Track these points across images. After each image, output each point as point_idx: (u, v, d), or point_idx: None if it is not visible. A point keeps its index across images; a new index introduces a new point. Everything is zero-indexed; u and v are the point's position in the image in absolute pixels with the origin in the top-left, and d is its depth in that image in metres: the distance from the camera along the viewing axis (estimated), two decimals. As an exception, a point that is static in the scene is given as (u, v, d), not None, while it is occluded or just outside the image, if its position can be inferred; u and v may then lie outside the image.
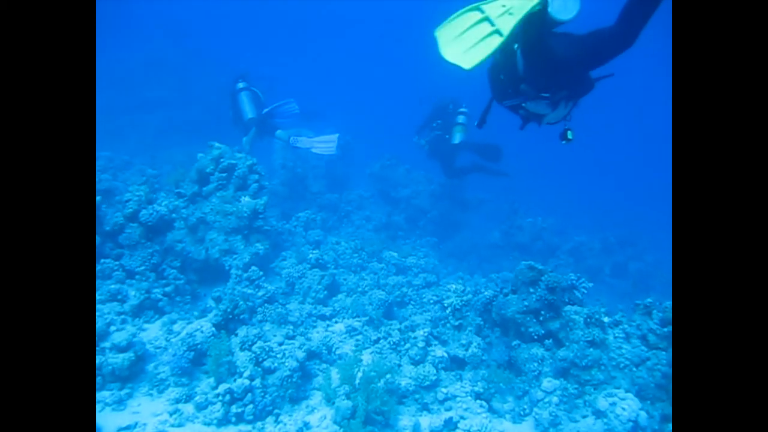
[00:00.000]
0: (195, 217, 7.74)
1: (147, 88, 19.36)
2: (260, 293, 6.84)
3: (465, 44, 4.00)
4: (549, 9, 4.11)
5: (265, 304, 6.75)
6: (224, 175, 8.09)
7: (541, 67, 4.58)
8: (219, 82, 20.41)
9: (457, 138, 10.82)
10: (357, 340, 6.53)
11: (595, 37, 4.33)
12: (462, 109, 11.13)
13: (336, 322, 7.11)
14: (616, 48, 4.23)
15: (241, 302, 5.73)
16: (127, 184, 10.22)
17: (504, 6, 4.03)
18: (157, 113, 17.60)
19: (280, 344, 5.63)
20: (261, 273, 7.18)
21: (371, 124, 17.68)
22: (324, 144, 10.49)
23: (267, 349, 5.23)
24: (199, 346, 5.29)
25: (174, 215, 7.68)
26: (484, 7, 4.09)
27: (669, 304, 5.92)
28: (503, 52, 4.75)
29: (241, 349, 5.24)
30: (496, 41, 3.95)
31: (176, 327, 6.09)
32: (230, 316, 5.60)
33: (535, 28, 4.27)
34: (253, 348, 5.19)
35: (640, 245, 16.05)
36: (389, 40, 39.91)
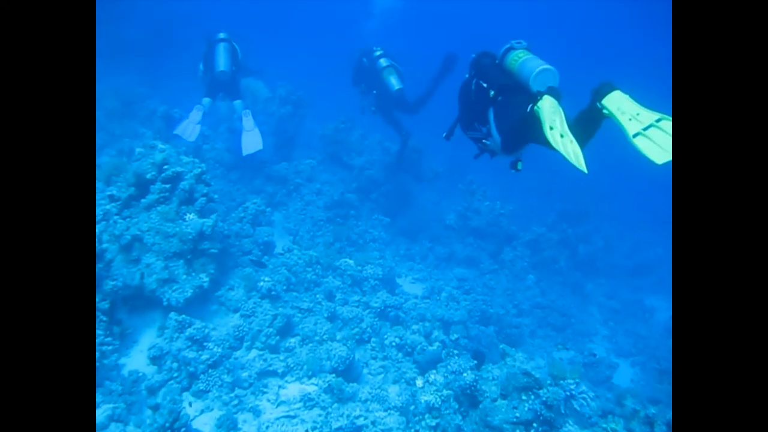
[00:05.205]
0: (130, 234, 6.54)
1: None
2: (203, 357, 5.85)
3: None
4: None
5: (209, 370, 5.81)
6: (167, 186, 6.83)
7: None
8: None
9: (394, 83, 9.66)
10: (314, 421, 5.67)
11: None
12: (377, 53, 10.05)
13: (289, 383, 6.23)
14: None
15: (183, 410, 4.73)
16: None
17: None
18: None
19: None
20: (205, 331, 6.12)
21: (329, 79, 16.19)
22: (252, 138, 10.08)
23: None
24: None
25: (103, 225, 6.49)
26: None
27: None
28: (481, 92, 5.13)
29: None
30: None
31: (99, 414, 5.05)
32: (168, 430, 4.60)
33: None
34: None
35: (590, 223, 15.72)
36: None
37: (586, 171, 3.84)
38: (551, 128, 4.01)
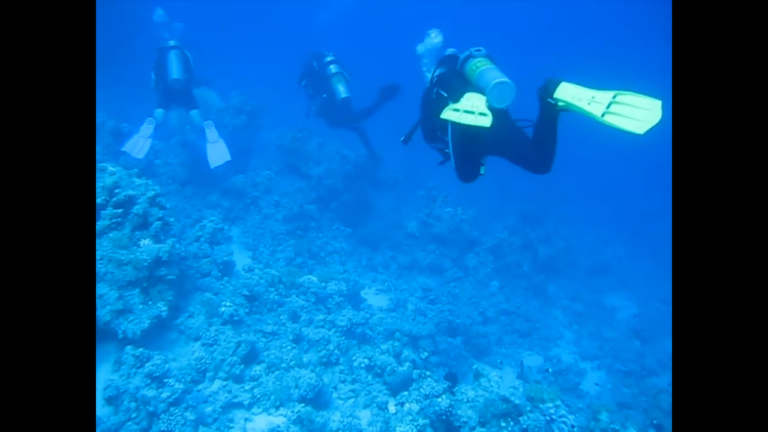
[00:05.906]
0: (80, 263, 6.16)
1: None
2: (164, 395, 5.52)
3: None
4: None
5: (171, 409, 5.49)
6: (119, 211, 6.45)
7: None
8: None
9: (342, 91, 9.55)
10: (284, 457, 5.42)
11: (524, 146, 4.48)
12: (328, 59, 9.90)
13: (256, 414, 5.96)
14: (535, 170, 4.51)
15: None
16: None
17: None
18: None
19: None
20: (165, 366, 5.78)
21: (283, 87, 15.82)
22: (218, 150, 9.77)
23: None
24: None
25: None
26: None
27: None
28: (441, 102, 4.86)
29: None
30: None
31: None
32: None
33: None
34: None
35: (548, 225, 15.71)
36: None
37: (488, 125, 4.15)
38: (455, 110, 4.31)
